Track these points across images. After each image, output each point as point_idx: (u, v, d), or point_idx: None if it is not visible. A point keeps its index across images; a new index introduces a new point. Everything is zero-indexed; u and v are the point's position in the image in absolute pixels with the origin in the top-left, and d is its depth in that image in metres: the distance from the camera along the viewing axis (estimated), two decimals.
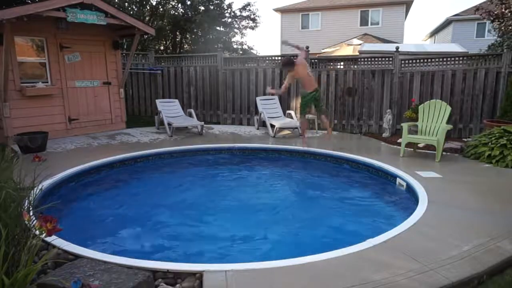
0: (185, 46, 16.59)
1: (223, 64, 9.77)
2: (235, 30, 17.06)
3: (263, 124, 8.83)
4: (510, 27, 9.38)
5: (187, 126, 8.70)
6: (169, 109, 8.96)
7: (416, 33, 57.50)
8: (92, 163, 5.59)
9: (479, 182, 4.96)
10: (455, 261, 2.81)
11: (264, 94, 9.26)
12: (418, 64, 8.24)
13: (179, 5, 15.37)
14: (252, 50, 18.37)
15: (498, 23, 9.70)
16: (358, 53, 12.76)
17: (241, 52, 17.74)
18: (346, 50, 15.76)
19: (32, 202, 2.85)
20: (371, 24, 21.75)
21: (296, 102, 9.21)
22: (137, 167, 6.16)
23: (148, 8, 14.63)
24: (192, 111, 9.12)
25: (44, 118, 7.34)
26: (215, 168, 6.48)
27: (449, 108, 6.29)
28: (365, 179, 5.67)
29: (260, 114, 8.76)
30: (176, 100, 9.38)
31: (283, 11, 23.35)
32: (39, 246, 2.34)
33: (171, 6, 15.18)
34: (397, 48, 8.50)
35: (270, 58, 9.60)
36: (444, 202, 4.12)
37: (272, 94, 8.44)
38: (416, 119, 6.71)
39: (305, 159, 6.68)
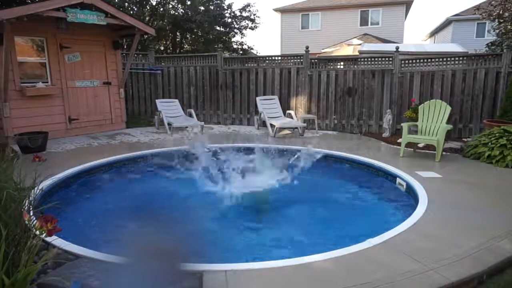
0: (185, 46, 16.62)
1: (223, 64, 9.78)
2: (235, 30, 17.07)
3: (263, 124, 8.83)
4: (509, 27, 9.39)
5: (187, 126, 8.71)
6: (169, 109, 8.96)
7: (416, 33, 57.58)
8: (92, 163, 5.59)
9: (479, 182, 4.96)
10: (455, 261, 2.82)
11: (264, 94, 9.29)
12: (418, 64, 8.25)
13: (179, 5, 15.38)
14: (252, 50, 18.37)
15: (498, 23, 9.71)
16: (358, 53, 12.78)
17: (241, 52, 17.75)
18: (346, 50, 15.77)
19: (32, 202, 2.85)
20: (371, 24, 21.75)
21: (296, 102, 9.22)
22: (137, 167, 6.15)
23: (148, 8, 14.64)
24: (192, 111, 9.12)
25: (44, 118, 7.34)
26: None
27: (449, 108, 6.30)
28: (365, 179, 5.66)
29: (260, 114, 8.76)
30: (176, 100, 9.38)
31: (283, 11, 23.34)
32: (39, 246, 2.34)
33: (171, 6, 15.18)
34: (397, 48, 8.50)
35: (270, 58, 9.60)
36: (444, 202, 4.12)
37: None
38: (416, 119, 6.71)
39: (304, 159, 6.66)
